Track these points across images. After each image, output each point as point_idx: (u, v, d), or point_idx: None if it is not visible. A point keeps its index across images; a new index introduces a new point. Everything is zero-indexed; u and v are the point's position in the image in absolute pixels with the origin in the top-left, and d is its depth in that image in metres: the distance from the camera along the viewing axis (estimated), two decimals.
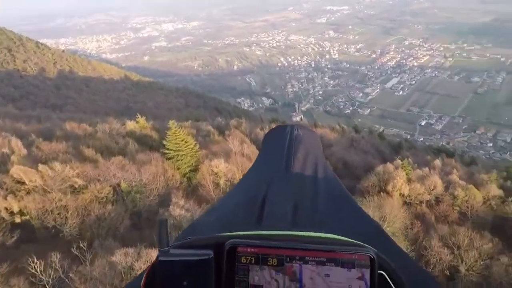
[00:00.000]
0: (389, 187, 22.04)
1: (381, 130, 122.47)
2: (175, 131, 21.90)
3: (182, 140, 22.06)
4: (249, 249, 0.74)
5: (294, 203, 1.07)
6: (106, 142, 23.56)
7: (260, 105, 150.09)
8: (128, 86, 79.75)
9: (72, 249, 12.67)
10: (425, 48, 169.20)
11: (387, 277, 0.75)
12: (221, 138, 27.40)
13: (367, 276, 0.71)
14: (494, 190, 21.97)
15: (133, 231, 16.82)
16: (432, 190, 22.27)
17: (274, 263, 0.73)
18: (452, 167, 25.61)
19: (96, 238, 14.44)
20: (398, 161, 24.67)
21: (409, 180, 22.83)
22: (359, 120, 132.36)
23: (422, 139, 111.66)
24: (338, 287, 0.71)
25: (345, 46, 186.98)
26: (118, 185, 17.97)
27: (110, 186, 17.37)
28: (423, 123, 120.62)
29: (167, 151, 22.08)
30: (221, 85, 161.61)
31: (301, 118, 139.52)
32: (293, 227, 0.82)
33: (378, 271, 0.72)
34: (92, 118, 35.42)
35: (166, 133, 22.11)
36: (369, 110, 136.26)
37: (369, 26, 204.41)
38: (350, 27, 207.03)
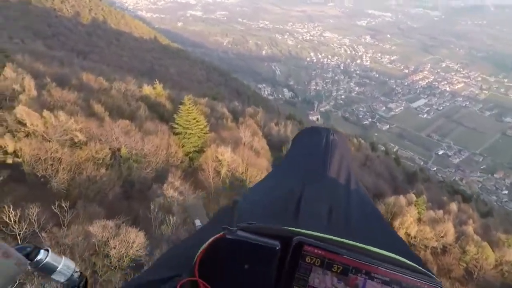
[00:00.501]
0: (396, 223, 20.51)
1: (395, 149, 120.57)
2: (189, 107, 20.99)
3: (194, 119, 21.16)
4: (316, 250, 0.74)
5: (329, 207, 1.09)
6: (118, 102, 22.86)
7: (280, 96, 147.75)
8: (156, 48, 78.91)
9: (53, 205, 12.06)
10: (461, 75, 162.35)
11: None
12: (234, 125, 26.40)
13: None
14: (510, 255, 20.00)
15: (122, 200, 16.23)
16: (442, 237, 20.47)
17: (338, 270, 0.73)
18: (468, 216, 23.76)
19: (82, 199, 13.83)
20: (412, 196, 23.05)
21: (419, 220, 21.22)
22: (376, 134, 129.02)
23: (435, 168, 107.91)
24: None
25: (379, 54, 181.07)
26: (118, 149, 17.29)
27: (109, 149, 16.70)
28: (440, 152, 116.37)
29: (176, 126, 21.26)
30: (247, 67, 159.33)
31: (317, 118, 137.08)
32: (328, 231, 0.81)
33: None
34: (112, 73, 34.78)
35: (179, 107, 21.23)
36: (388, 126, 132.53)
37: (408, 39, 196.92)
38: (388, 36, 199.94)
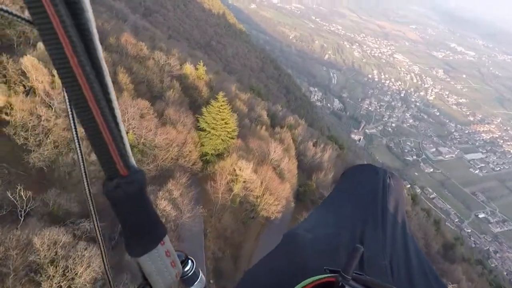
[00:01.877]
0: None
1: (432, 196, 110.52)
2: (221, 105, 17.79)
3: (223, 119, 17.97)
4: None
5: (390, 258, 1.06)
6: (151, 75, 20.25)
7: (329, 104, 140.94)
8: (221, 24, 76.72)
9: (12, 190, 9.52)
10: None
11: None
12: (267, 134, 22.88)
13: None
14: None
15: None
16: None
17: None
18: None
19: (58, 186, 11.25)
20: None
21: None
22: (416, 173, 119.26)
23: (469, 231, 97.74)
24: None
25: (447, 93, 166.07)
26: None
27: None
28: (481, 215, 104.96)
29: (201, 122, 18.23)
30: (304, 66, 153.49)
31: (360, 139, 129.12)
32: (394, 285, 0.80)
33: None
34: (163, 40, 32.55)
35: (211, 102, 18.10)
36: (432, 170, 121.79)
37: (485, 86, 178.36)
38: (464, 76, 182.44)
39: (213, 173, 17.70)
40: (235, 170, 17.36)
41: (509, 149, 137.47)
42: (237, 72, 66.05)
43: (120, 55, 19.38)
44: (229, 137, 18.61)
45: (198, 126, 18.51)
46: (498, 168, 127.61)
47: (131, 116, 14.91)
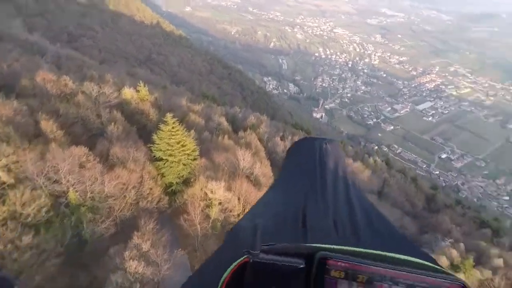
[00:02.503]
0: None
1: (399, 151, 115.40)
2: (173, 127, 15.35)
3: (179, 143, 15.55)
4: (340, 263, 0.74)
5: (333, 218, 1.09)
6: (84, 112, 17.17)
7: (285, 90, 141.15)
8: (157, 34, 72.25)
9: None
10: (469, 80, 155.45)
11: None
12: (232, 143, 20.75)
13: None
14: None
15: (63, 270, 10.87)
16: None
17: (364, 280, 0.73)
18: None
19: None
20: (455, 254, 17.65)
21: None
22: (380, 134, 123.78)
23: (437, 172, 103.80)
24: None
25: (388, 54, 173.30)
26: (64, 194, 11.82)
27: (47, 195, 11.19)
28: (443, 156, 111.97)
29: (155, 151, 15.69)
30: (253, 58, 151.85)
31: (322, 116, 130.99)
32: (339, 244, 0.81)
33: None
34: (95, 67, 28.90)
35: (160, 126, 15.56)
36: (392, 127, 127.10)
37: (419, 42, 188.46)
38: (399, 36, 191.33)
39: (184, 204, 15.31)
40: (207, 194, 15.12)
41: (451, 92, 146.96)
42: (186, 81, 62.70)
43: (40, 97, 16.07)
44: (191, 159, 16.24)
45: (154, 156, 15.92)
46: (447, 111, 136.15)
47: (66, 171, 12.06)
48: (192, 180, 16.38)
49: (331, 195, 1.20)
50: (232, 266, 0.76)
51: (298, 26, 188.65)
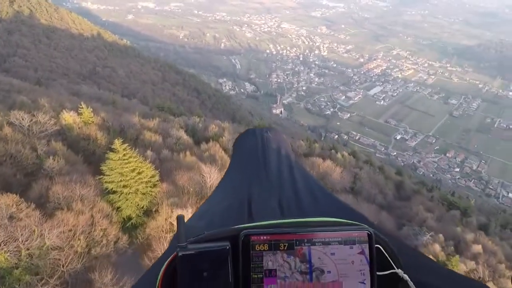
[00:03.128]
0: None
1: (357, 137, 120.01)
2: (124, 155, 13.27)
3: (133, 171, 13.51)
4: (262, 237, 0.79)
5: (278, 201, 1.14)
6: (14, 148, 14.39)
7: (242, 90, 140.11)
8: (100, 46, 66.94)
9: None
10: (410, 62, 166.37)
11: (382, 250, 0.83)
12: (194, 159, 18.99)
13: (366, 250, 0.79)
14: None
15: None
16: None
17: (285, 247, 0.78)
18: (492, 253, 18.99)
19: None
20: (438, 249, 17.54)
21: None
22: (338, 123, 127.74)
23: (395, 153, 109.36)
24: (343, 263, 0.78)
25: (335, 44, 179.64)
26: None
27: None
28: (398, 137, 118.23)
29: (106, 184, 13.50)
30: (205, 61, 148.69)
31: (281, 111, 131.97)
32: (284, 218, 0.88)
33: (375, 245, 0.80)
34: (28, 90, 25.19)
35: (108, 154, 13.39)
36: (349, 115, 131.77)
37: (361, 29, 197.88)
38: (343, 26, 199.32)
39: (147, 240, 13.35)
40: (173, 225, 13.28)
41: (397, 75, 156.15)
42: (138, 91, 58.90)
43: None
44: (150, 187, 14.27)
45: (106, 189, 13.72)
46: (396, 94, 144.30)
47: None
48: (154, 211, 14.42)
49: (275, 177, 1.25)
50: (165, 263, 0.79)
51: (246, 25, 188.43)
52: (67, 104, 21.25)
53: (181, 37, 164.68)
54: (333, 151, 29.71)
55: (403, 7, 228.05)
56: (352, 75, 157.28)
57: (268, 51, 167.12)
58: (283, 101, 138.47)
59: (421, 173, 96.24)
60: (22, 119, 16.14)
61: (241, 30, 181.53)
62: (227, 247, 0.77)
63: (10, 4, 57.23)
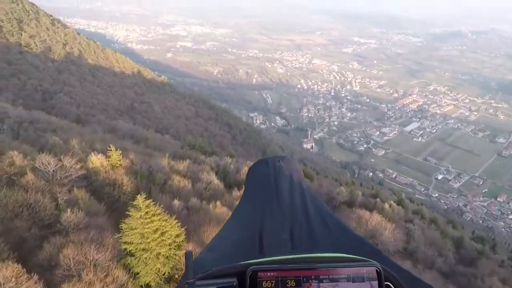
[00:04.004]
0: None
1: (394, 175, 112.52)
2: (146, 213, 11.44)
3: (156, 231, 11.58)
4: (269, 273, 0.77)
5: (290, 232, 1.13)
6: (34, 196, 13.17)
7: (273, 124, 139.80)
8: (139, 83, 70.11)
9: None
10: (449, 97, 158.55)
11: (392, 287, 0.81)
12: (225, 210, 16.86)
13: (376, 287, 0.76)
14: None
15: None
16: None
17: (293, 284, 0.76)
18: None
19: None
20: None
21: None
22: (372, 160, 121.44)
23: (437, 195, 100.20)
24: None
25: (368, 80, 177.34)
26: None
27: None
28: (439, 177, 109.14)
29: (125, 245, 11.62)
30: (237, 96, 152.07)
31: (311, 146, 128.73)
32: (294, 254, 0.87)
33: (385, 283, 0.78)
34: (62, 128, 25.23)
35: (129, 211, 11.64)
36: (383, 152, 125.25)
37: (395, 65, 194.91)
38: (375, 61, 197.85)
39: None
40: None
41: (435, 111, 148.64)
42: (172, 126, 59.53)
43: None
44: (174, 248, 12.13)
45: (124, 250, 11.76)
46: (434, 130, 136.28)
47: None
48: (177, 277, 12.16)
49: (287, 207, 1.25)
50: None
51: (277, 61, 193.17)
52: (97, 145, 20.51)
53: (215, 73, 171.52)
54: (378, 200, 26.20)
55: (438, 43, 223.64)
56: (386, 110, 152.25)
57: (299, 86, 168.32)
58: (314, 136, 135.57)
59: (468, 218, 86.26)
60: (48, 164, 15.14)
61: (272, 66, 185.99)
62: (234, 284, 0.77)
63: (63, 46, 62.26)
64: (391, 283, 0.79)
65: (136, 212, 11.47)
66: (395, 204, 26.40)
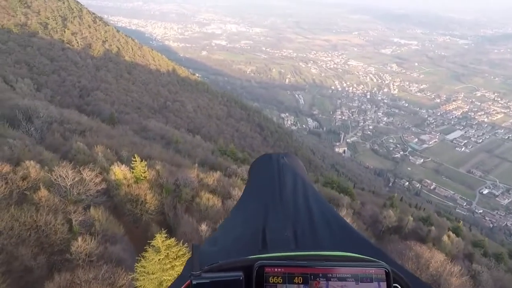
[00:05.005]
0: None
1: (433, 187, 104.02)
2: (168, 255, 9.08)
3: (173, 267, 9.19)
4: (276, 269, 0.77)
5: (293, 229, 1.13)
6: (45, 218, 11.37)
7: (304, 125, 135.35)
8: (173, 81, 69.67)
9: None
10: (500, 105, 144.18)
11: None
12: None
13: None
14: None
15: None
16: None
17: (300, 281, 0.75)
18: None
19: None
20: None
21: None
22: (409, 169, 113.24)
23: (481, 211, 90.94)
24: None
25: (407, 83, 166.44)
26: None
27: None
28: (485, 191, 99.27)
29: (140, 277, 9.36)
30: (269, 95, 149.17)
31: (344, 151, 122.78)
32: (297, 251, 0.87)
33: (394, 284, 0.77)
34: (91, 126, 23.99)
35: (145, 251, 9.36)
36: (422, 160, 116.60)
37: (438, 68, 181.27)
38: (416, 64, 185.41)
39: None
40: None
41: (483, 119, 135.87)
42: (203, 126, 58.19)
43: None
44: None
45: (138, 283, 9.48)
46: (481, 140, 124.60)
47: None
48: None
49: (291, 204, 1.24)
50: None
51: (312, 61, 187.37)
52: (124, 151, 18.72)
53: (248, 72, 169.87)
54: (433, 228, 22.26)
55: (489, 45, 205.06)
56: (426, 116, 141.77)
57: (333, 87, 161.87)
58: (347, 140, 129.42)
59: None
60: (66, 177, 13.36)
61: (306, 66, 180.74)
62: (241, 278, 0.76)
63: (103, 43, 63.06)
64: (398, 284, 0.79)
65: (154, 254, 9.13)
66: (453, 234, 22.26)
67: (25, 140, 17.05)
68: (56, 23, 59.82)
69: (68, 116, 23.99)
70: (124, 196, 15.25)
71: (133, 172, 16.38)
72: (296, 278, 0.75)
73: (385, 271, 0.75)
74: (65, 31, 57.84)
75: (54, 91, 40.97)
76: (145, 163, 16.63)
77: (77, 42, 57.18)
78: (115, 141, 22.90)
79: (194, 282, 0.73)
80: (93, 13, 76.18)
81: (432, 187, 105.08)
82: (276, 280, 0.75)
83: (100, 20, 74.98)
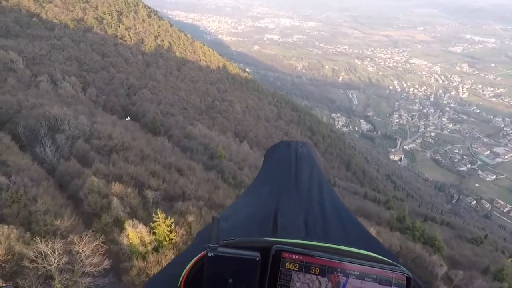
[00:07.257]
0: None
1: (507, 209, 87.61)
2: None
3: None
4: (294, 256, 0.74)
5: (305, 218, 1.10)
6: None
7: (356, 128, 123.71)
8: (223, 79, 65.43)
9: None
10: None
11: None
12: None
13: None
14: None
15: None
16: None
17: (317, 272, 0.73)
18: None
19: None
20: None
21: None
22: (477, 185, 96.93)
23: None
24: None
25: (480, 86, 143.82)
26: None
27: None
28: None
29: None
30: (320, 93, 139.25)
31: (400, 158, 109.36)
32: (307, 240, 0.84)
33: None
34: (123, 141, 19.81)
35: None
36: (494, 177, 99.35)
37: None
38: (492, 64, 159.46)
39: None
40: None
41: None
42: (251, 129, 53.03)
43: None
44: None
45: None
46: None
47: None
48: None
49: (305, 193, 1.23)
50: (192, 261, 0.77)
51: (369, 59, 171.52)
52: (149, 192, 13.82)
53: (299, 68, 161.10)
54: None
55: None
56: (502, 125, 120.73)
57: (391, 87, 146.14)
58: (404, 147, 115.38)
59: None
60: (51, 254, 8.61)
61: (362, 64, 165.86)
62: (257, 258, 0.74)
63: (155, 38, 60.72)
64: None
65: None
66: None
67: (30, 170, 13.01)
68: (112, 18, 58.62)
69: (99, 128, 20.18)
70: (137, 273, 10.24)
71: (154, 233, 11.35)
72: (314, 268, 0.73)
73: (407, 277, 0.73)
74: (119, 26, 56.37)
75: (100, 90, 38.67)
76: (172, 220, 11.47)
77: (130, 37, 55.28)
78: (146, 162, 18.47)
79: (210, 254, 0.72)
80: (149, 8, 74.70)
81: (505, 210, 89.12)
82: (292, 267, 0.74)
83: (154, 15, 73.21)
